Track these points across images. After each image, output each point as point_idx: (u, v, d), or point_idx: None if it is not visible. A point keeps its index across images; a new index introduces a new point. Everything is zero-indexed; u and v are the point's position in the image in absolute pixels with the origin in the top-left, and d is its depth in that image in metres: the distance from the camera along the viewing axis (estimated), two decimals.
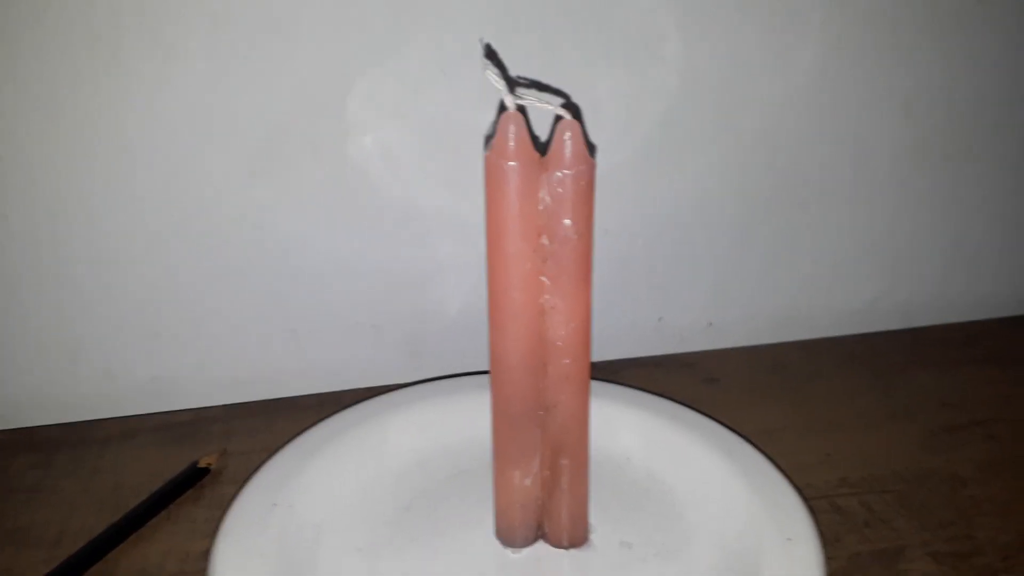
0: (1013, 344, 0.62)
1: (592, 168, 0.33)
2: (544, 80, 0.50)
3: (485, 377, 0.41)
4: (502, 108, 0.32)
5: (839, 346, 0.61)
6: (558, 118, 0.32)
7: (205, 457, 0.47)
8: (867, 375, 0.57)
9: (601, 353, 0.55)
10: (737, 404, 0.52)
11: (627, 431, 0.46)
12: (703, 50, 0.52)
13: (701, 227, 0.58)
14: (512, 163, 0.32)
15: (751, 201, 0.58)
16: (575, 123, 0.32)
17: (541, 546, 0.39)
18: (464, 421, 0.46)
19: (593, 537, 0.40)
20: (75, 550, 0.40)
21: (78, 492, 0.46)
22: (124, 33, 0.45)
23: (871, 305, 0.64)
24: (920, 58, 0.56)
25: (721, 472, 0.42)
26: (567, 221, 0.33)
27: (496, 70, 0.32)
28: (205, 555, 0.38)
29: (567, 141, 0.32)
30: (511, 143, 0.32)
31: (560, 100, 0.33)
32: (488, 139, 0.34)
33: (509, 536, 0.39)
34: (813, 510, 0.40)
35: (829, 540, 0.40)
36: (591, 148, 0.33)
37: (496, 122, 0.33)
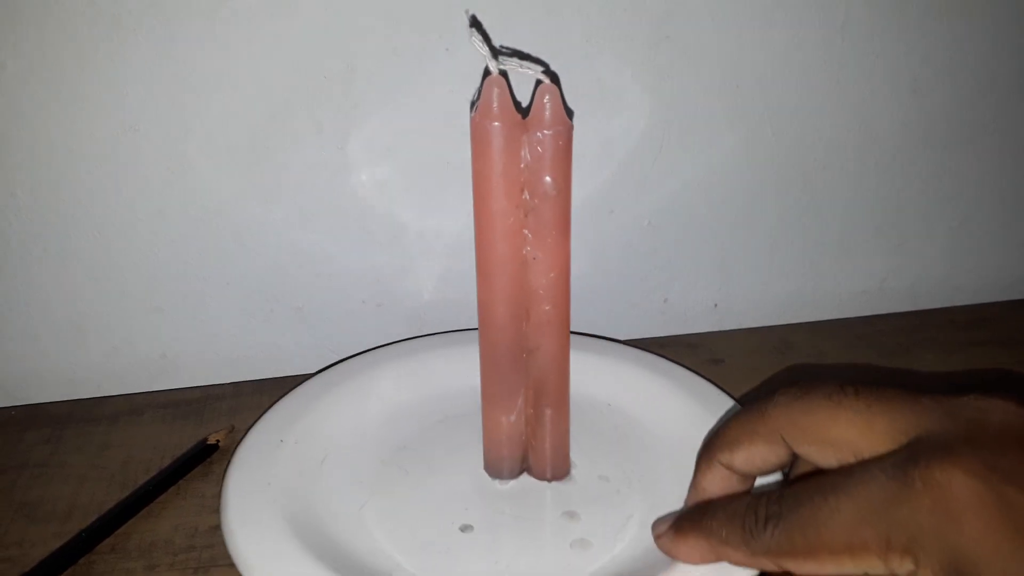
0: (1019, 326, 0.66)
1: (569, 129, 0.40)
2: (549, 63, 0.55)
3: (470, 333, 0.52)
4: (486, 73, 0.39)
5: (844, 328, 0.66)
6: (538, 83, 0.40)
7: (214, 434, 0.52)
8: (872, 357, 0.62)
9: (606, 333, 0.61)
10: (742, 385, 0.56)
11: (606, 379, 0.54)
12: (709, 29, 0.57)
13: (707, 208, 0.64)
14: (496, 123, 0.39)
15: (757, 182, 0.64)
16: (553, 87, 0.40)
17: (526, 479, 0.48)
18: (451, 372, 0.54)
19: (574, 471, 0.48)
20: (85, 525, 0.45)
21: (87, 467, 0.51)
22: (126, 8, 0.50)
23: (877, 287, 0.69)
24: (927, 38, 0.61)
25: (687, 411, 0.50)
26: (547, 178, 0.40)
27: (480, 37, 0.39)
28: (214, 530, 0.45)
29: (546, 103, 0.40)
30: (495, 105, 0.39)
31: (540, 68, 0.40)
32: (473, 104, 0.41)
33: (497, 469, 0.47)
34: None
35: None
36: (568, 111, 0.41)
37: (481, 87, 0.40)
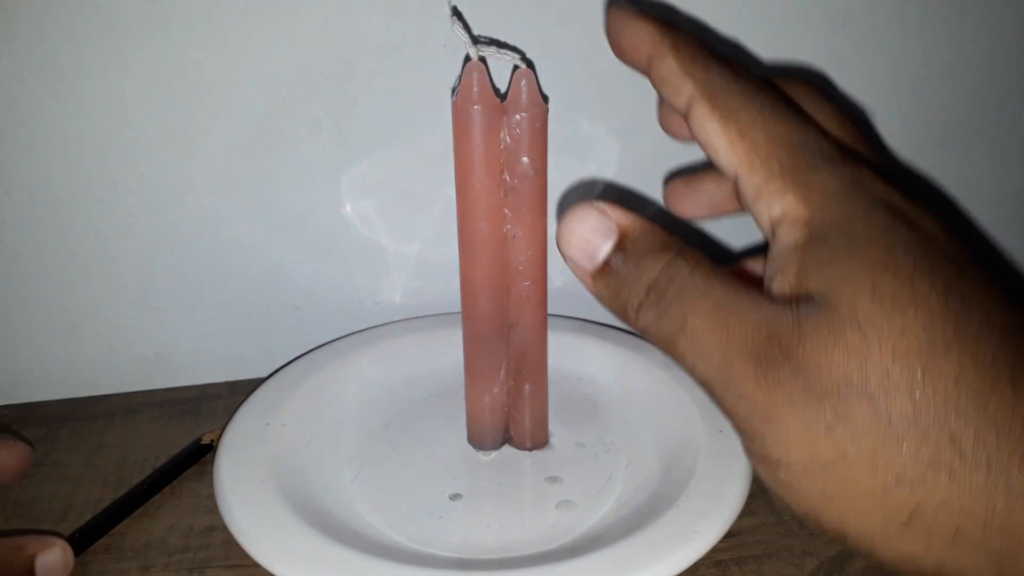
0: None
1: (545, 112, 0.45)
2: (552, 62, 0.58)
3: (448, 316, 0.58)
4: (467, 60, 0.44)
5: None
6: (515, 69, 0.44)
7: (208, 434, 0.54)
8: None
9: None
10: None
11: (574, 353, 0.60)
12: (708, 27, 0.60)
13: None
14: (476, 107, 0.44)
15: None
16: (529, 72, 0.44)
17: (508, 449, 0.53)
18: (431, 352, 0.60)
19: (552, 440, 0.54)
20: (80, 524, 0.48)
21: (82, 467, 0.53)
22: (123, 5, 0.52)
23: None
24: (927, 37, 0.64)
25: (660, 383, 0.56)
26: (525, 159, 0.45)
27: (461, 25, 0.44)
28: (209, 531, 0.48)
29: (523, 87, 0.44)
30: (475, 89, 0.44)
31: (517, 55, 0.46)
32: (454, 89, 0.46)
33: (479, 440, 0.52)
34: None
35: None
36: (544, 95, 0.46)
37: (461, 73, 0.45)
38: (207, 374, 0.64)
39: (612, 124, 0.63)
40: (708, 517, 0.44)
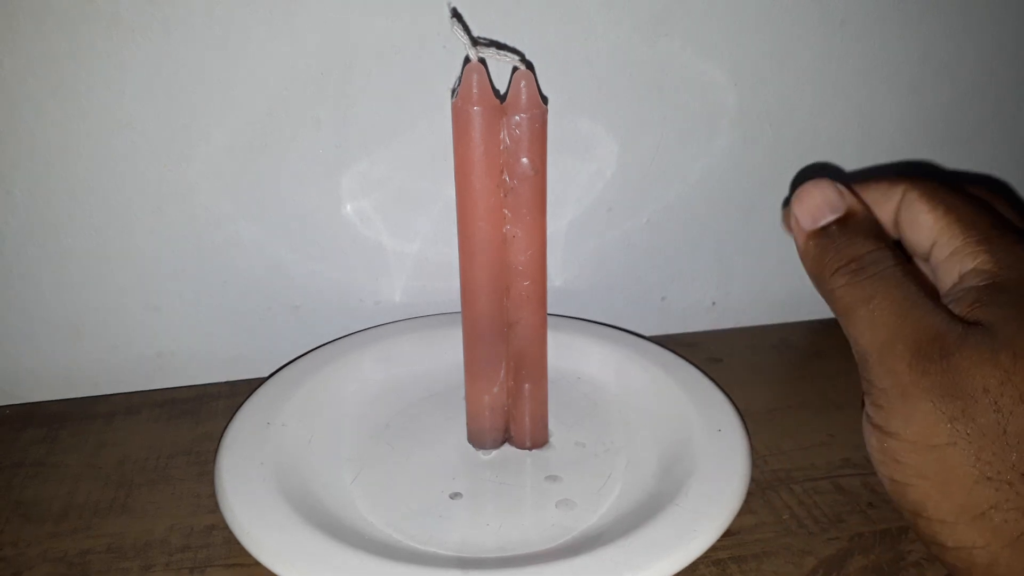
0: None
1: (544, 112, 0.46)
2: (547, 56, 0.59)
3: (448, 316, 0.58)
4: (466, 61, 0.45)
5: None
6: (514, 70, 0.45)
7: None
8: None
9: None
10: (740, 384, 0.59)
11: (581, 354, 0.61)
12: (708, 26, 0.61)
13: (705, 206, 0.68)
14: (476, 108, 0.45)
15: (756, 180, 0.67)
16: (529, 73, 0.45)
17: (508, 448, 0.54)
18: (431, 352, 0.61)
19: (552, 439, 0.54)
20: (80, 525, 0.48)
21: (83, 466, 0.54)
22: (123, 5, 0.53)
23: None
24: (926, 36, 0.65)
25: (659, 383, 0.56)
26: (524, 159, 0.46)
27: (460, 27, 0.45)
28: (209, 530, 0.48)
29: (523, 88, 0.45)
30: (475, 90, 0.45)
31: (517, 56, 0.46)
32: (454, 90, 0.46)
33: (480, 439, 0.53)
34: (739, 409, 0.53)
35: (832, 521, 0.49)
36: (543, 96, 0.46)
37: (461, 74, 0.45)
38: (207, 374, 0.65)
39: (612, 124, 0.63)
40: (707, 516, 0.45)
